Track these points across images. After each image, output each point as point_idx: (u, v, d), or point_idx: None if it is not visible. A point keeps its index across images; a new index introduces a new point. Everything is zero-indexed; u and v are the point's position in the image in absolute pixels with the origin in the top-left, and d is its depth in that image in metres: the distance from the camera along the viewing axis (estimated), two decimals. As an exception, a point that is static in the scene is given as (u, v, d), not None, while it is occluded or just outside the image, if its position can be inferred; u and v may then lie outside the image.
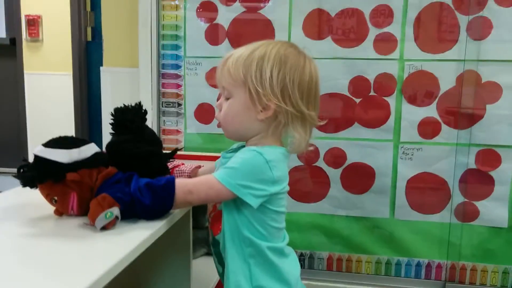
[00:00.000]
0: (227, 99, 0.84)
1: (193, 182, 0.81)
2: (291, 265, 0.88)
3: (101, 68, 1.78)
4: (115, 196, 0.75)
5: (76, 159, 0.79)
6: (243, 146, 0.90)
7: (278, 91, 0.80)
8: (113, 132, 0.91)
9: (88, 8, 2.83)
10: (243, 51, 0.84)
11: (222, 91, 0.86)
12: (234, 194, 0.78)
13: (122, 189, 0.78)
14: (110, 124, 0.90)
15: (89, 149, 0.82)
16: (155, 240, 0.77)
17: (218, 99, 0.89)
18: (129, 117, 0.89)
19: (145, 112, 0.92)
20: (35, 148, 0.81)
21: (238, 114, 0.83)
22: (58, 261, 0.64)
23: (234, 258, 0.84)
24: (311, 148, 0.88)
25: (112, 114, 0.89)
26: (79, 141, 0.82)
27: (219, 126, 0.88)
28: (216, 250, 0.95)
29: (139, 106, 0.91)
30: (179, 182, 0.80)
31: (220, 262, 0.94)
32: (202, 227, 1.43)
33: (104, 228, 0.74)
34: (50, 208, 0.83)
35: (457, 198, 1.56)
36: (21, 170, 0.78)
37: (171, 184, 0.78)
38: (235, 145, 0.95)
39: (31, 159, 0.80)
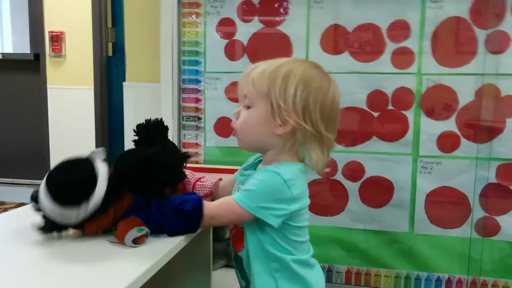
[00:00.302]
0: (248, 107, 0.84)
1: (215, 207, 0.82)
2: (317, 277, 0.89)
3: (123, 83, 1.83)
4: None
5: (86, 212, 0.74)
6: (260, 161, 0.91)
7: (300, 109, 0.80)
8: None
9: (109, 25, 2.91)
10: (269, 64, 0.84)
11: (243, 99, 0.86)
12: (255, 216, 0.79)
13: (147, 217, 0.79)
14: (132, 141, 0.92)
15: (98, 193, 0.75)
16: (176, 254, 0.79)
17: None
18: (151, 134, 0.91)
19: (167, 128, 0.94)
20: (41, 190, 0.75)
21: (256, 124, 0.83)
22: (80, 275, 0.66)
23: (260, 274, 0.85)
24: (327, 169, 0.88)
25: (134, 131, 0.91)
26: (87, 179, 0.75)
27: (234, 134, 0.88)
28: (239, 266, 0.96)
29: (161, 122, 0.93)
30: (205, 207, 0.81)
31: (244, 277, 0.95)
32: (222, 239, 1.44)
33: (134, 242, 0.75)
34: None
35: (478, 212, 1.55)
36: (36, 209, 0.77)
37: (199, 210, 0.79)
38: (251, 159, 0.95)
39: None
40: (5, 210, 3.02)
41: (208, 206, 0.82)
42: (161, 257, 0.72)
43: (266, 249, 0.83)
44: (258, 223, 0.82)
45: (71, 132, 3.31)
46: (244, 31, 1.64)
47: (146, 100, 1.77)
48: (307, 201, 0.86)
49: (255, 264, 0.85)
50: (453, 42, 1.51)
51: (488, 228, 1.55)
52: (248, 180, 0.84)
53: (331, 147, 0.86)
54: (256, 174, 0.84)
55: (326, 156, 0.85)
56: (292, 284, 0.84)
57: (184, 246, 0.82)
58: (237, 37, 1.65)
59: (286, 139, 0.83)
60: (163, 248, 0.75)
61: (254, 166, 0.93)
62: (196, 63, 1.68)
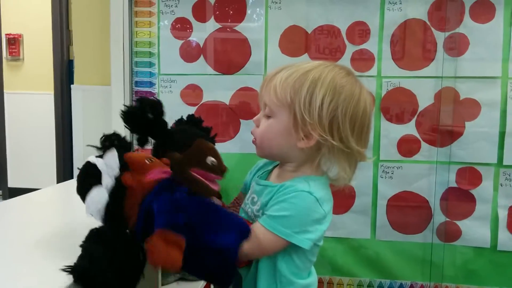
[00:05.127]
0: (268, 117, 0.77)
1: (247, 247, 0.71)
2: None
3: (71, 86, 1.74)
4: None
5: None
6: (275, 166, 0.83)
7: (327, 122, 0.71)
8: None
9: (71, 27, 2.80)
10: (294, 70, 0.75)
11: (263, 107, 0.78)
12: (290, 242, 0.71)
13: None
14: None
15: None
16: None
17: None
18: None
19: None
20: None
21: (276, 136, 0.75)
22: None
23: None
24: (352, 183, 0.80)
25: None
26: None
27: (254, 142, 0.80)
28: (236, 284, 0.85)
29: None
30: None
31: None
32: (175, 251, 1.37)
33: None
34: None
35: (439, 217, 1.52)
36: None
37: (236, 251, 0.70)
38: (268, 166, 0.86)
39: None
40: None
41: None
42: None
43: (279, 270, 0.75)
44: None
45: (30, 139, 3.18)
46: (201, 32, 1.58)
47: (96, 104, 1.68)
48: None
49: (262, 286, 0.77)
50: (412, 45, 1.50)
51: (449, 233, 1.52)
52: (264, 191, 0.76)
53: (362, 161, 0.77)
54: (281, 194, 0.73)
55: (353, 169, 0.76)
56: None
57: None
58: (193, 37, 1.58)
59: (308, 153, 0.75)
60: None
61: (268, 172, 0.84)
62: (150, 64, 1.61)
